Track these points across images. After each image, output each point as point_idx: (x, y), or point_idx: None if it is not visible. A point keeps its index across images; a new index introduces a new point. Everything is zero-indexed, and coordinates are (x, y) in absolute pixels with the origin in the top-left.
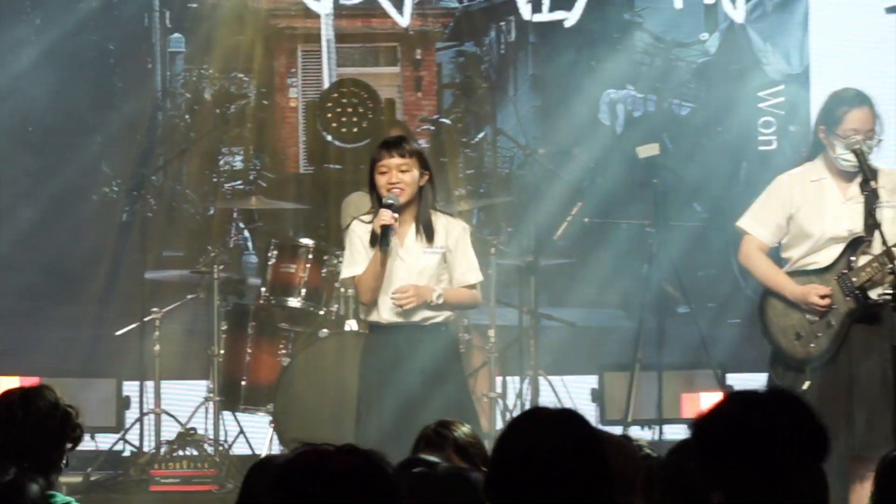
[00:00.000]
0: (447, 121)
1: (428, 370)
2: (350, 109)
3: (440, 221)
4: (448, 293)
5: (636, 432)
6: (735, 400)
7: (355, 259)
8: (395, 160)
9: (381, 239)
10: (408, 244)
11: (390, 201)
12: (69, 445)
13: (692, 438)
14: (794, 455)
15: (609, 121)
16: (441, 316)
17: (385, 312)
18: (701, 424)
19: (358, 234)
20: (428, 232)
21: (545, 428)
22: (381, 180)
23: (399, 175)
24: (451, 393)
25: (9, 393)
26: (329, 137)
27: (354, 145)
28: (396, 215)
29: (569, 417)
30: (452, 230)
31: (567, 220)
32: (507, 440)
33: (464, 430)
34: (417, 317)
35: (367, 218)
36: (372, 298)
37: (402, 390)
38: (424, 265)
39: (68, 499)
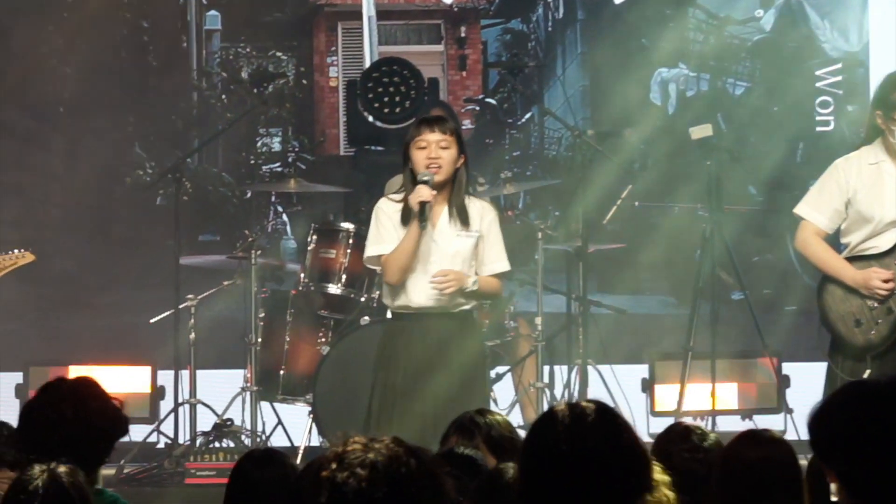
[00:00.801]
0: (492, 101)
1: (455, 360)
2: (392, 89)
3: (474, 206)
4: (481, 280)
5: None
6: (849, 391)
7: (382, 237)
8: (436, 135)
9: (419, 215)
10: (440, 226)
11: (426, 178)
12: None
13: (809, 433)
14: None
15: (660, 101)
16: (470, 303)
17: (417, 296)
18: (816, 418)
19: (386, 212)
20: (462, 215)
21: (573, 425)
22: (420, 156)
23: (439, 151)
24: (472, 383)
25: (57, 387)
26: (370, 118)
27: (396, 126)
28: (435, 192)
29: (600, 412)
30: (486, 215)
31: (617, 204)
32: (540, 434)
33: (499, 420)
34: (450, 303)
35: (398, 196)
36: (401, 279)
37: (432, 379)
38: (458, 248)
39: (115, 495)
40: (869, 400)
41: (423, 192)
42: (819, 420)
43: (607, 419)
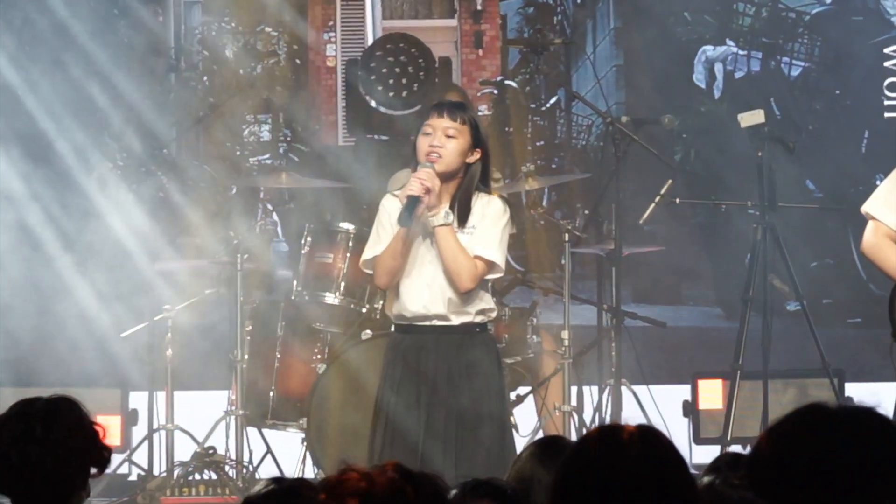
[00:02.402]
0: (513, 83)
1: (463, 383)
2: (398, 70)
3: (480, 201)
4: (451, 234)
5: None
6: (802, 416)
7: (380, 238)
8: (444, 121)
9: (404, 210)
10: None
11: (426, 167)
12: (94, 471)
13: (750, 457)
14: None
15: (705, 83)
16: (480, 314)
17: (411, 303)
18: (764, 441)
19: (387, 209)
20: (463, 213)
21: (619, 450)
22: (423, 142)
23: (443, 139)
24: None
25: (28, 404)
26: (373, 103)
27: (403, 112)
28: (430, 185)
29: (649, 437)
30: (488, 207)
31: (655, 202)
32: (575, 465)
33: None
34: (452, 314)
35: (402, 192)
36: (388, 283)
37: (421, 398)
38: None
39: None
40: (823, 427)
41: (414, 185)
42: (766, 446)
43: (654, 446)
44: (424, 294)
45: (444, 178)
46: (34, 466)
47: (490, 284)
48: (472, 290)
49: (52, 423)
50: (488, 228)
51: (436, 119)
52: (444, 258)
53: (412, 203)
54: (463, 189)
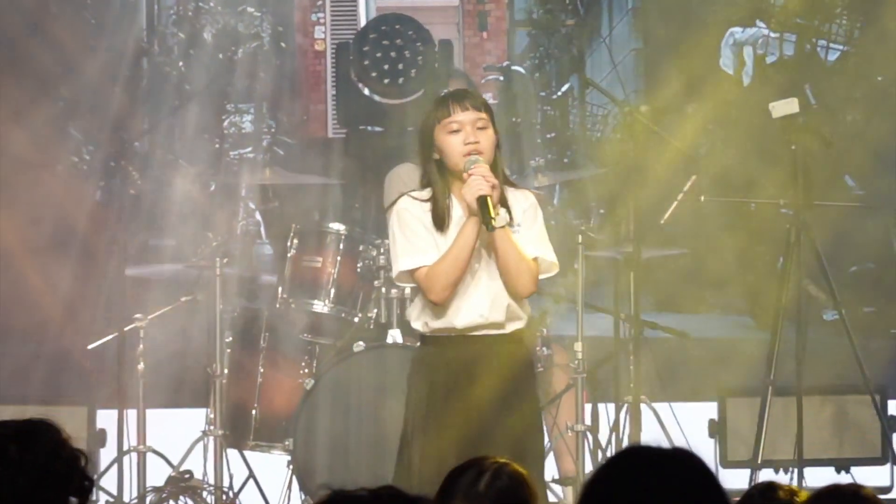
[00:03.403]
0: (520, 69)
1: (501, 392)
2: (394, 54)
3: (514, 196)
4: (510, 235)
5: (769, 477)
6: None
7: (417, 246)
8: (470, 114)
9: (482, 214)
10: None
11: (478, 162)
12: (74, 501)
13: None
14: None
15: (733, 68)
16: (521, 320)
17: (463, 315)
18: (588, 487)
19: (414, 213)
20: (505, 209)
21: (648, 473)
22: (453, 141)
23: (477, 133)
24: (521, 422)
25: (4, 425)
26: (366, 91)
27: (399, 101)
28: (494, 181)
29: (680, 459)
30: (525, 202)
31: (678, 200)
32: (598, 489)
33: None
34: (508, 321)
35: (423, 195)
36: (448, 296)
37: (471, 416)
38: None
39: None
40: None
41: (480, 185)
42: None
43: (689, 471)
44: (483, 302)
45: None
46: (6, 490)
47: None
48: (534, 292)
49: (29, 445)
50: (534, 225)
51: (460, 113)
52: (507, 261)
53: (485, 203)
54: (499, 180)
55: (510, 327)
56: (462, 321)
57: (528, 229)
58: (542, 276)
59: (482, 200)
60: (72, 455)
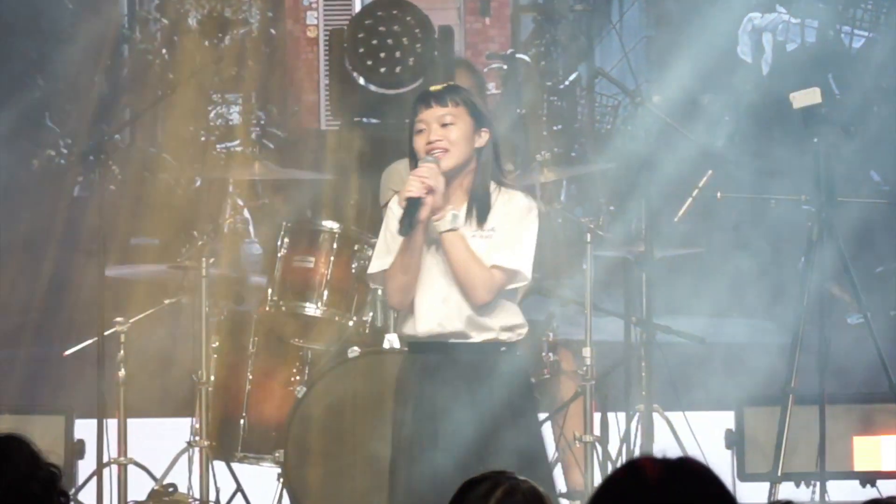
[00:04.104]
0: (525, 57)
1: (485, 409)
2: (391, 41)
3: (500, 198)
4: (459, 240)
5: (790, 491)
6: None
7: (389, 247)
8: (435, 111)
9: (402, 217)
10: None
11: (428, 161)
12: None
13: None
14: None
15: (751, 56)
16: (507, 331)
17: (423, 321)
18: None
19: (395, 213)
20: (481, 210)
21: (658, 487)
22: (419, 142)
23: (440, 131)
24: (515, 441)
25: None
26: (362, 80)
27: (397, 91)
28: (433, 184)
29: (693, 472)
30: (510, 204)
31: (692, 196)
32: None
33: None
34: (472, 331)
35: None
36: (402, 300)
37: (453, 433)
38: None
39: None
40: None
41: (413, 186)
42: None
43: (707, 485)
44: (440, 309)
45: (456, 172)
46: None
47: (519, 295)
48: (489, 302)
49: (1, 466)
50: (510, 230)
51: (424, 111)
52: (455, 269)
53: (413, 206)
54: (479, 181)
55: (478, 337)
56: (422, 328)
57: (503, 233)
58: (510, 286)
59: (409, 203)
60: (48, 473)
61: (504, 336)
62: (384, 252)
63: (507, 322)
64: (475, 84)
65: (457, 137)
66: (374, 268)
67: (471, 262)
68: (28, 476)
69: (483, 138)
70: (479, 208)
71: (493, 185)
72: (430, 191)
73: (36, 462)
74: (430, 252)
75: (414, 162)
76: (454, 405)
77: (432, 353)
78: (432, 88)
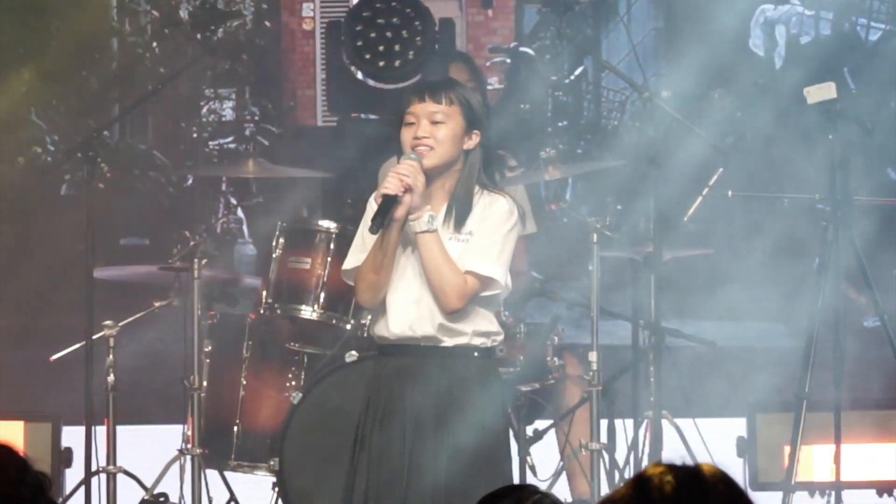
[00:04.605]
0: (529, 50)
1: (450, 413)
2: (389, 34)
3: (482, 201)
4: (435, 243)
5: (804, 501)
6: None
7: (365, 244)
8: (428, 106)
9: (375, 214)
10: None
11: (410, 158)
12: None
13: None
14: None
15: (764, 50)
16: (480, 336)
17: (394, 322)
18: None
19: (373, 210)
20: (461, 214)
21: (670, 495)
22: (406, 134)
23: (429, 127)
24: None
25: None
26: (359, 74)
27: (396, 86)
28: (412, 182)
29: (706, 480)
30: (490, 208)
31: (703, 195)
32: None
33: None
34: (443, 335)
35: None
36: (371, 300)
37: (421, 437)
38: None
39: None
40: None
41: (391, 182)
42: None
43: (727, 490)
44: (410, 312)
45: (439, 172)
46: None
47: (500, 301)
48: (460, 309)
49: None
50: (487, 235)
51: (417, 104)
52: (428, 271)
53: (388, 204)
54: (462, 184)
55: (450, 342)
56: (393, 330)
57: (481, 238)
58: (485, 294)
59: (384, 200)
60: (36, 481)
61: (477, 341)
62: (360, 248)
63: (480, 328)
64: (472, 80)
65: (444, 137)
66: (348, 264)
67: (444, 266)
68: (17, 482)
69: (473, 140)
70: (459, 211)
71: (476, 189)
72: (409, 189)
73: (25, 470)
74: (406, 252)
75: (400, 153)
76: (424, 409)
77: (403, 356)
78: (429, 81)
